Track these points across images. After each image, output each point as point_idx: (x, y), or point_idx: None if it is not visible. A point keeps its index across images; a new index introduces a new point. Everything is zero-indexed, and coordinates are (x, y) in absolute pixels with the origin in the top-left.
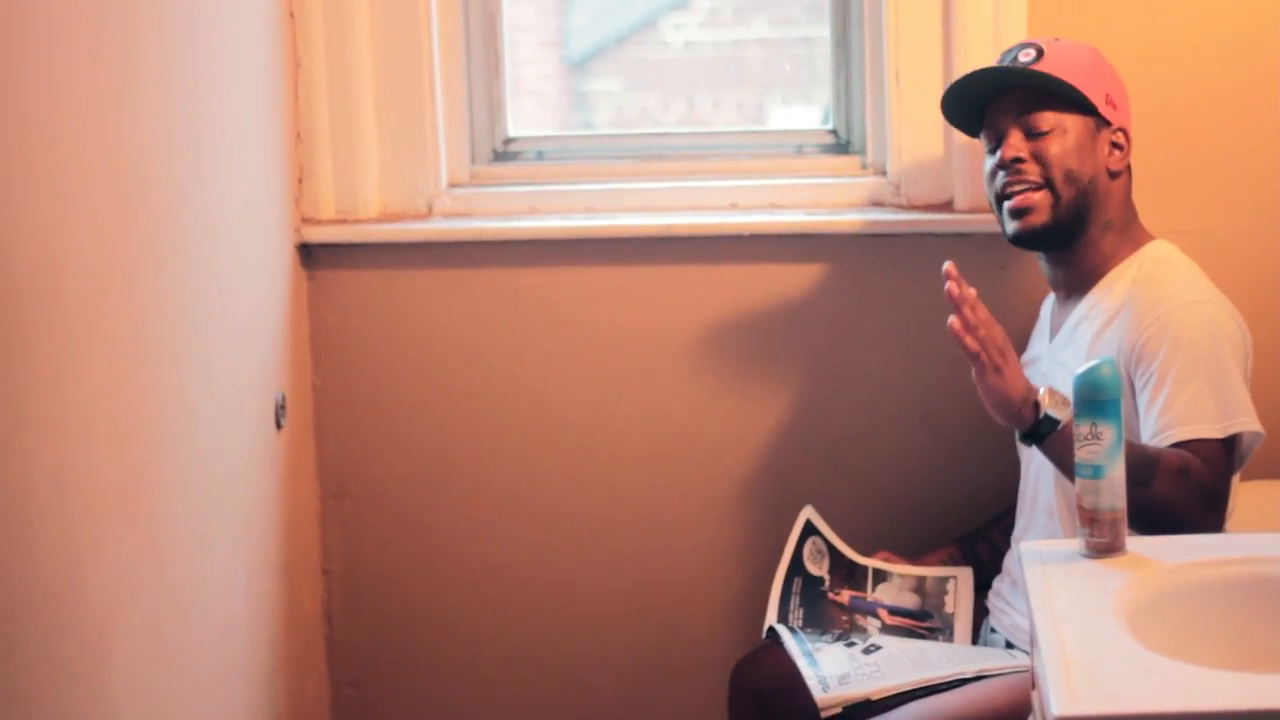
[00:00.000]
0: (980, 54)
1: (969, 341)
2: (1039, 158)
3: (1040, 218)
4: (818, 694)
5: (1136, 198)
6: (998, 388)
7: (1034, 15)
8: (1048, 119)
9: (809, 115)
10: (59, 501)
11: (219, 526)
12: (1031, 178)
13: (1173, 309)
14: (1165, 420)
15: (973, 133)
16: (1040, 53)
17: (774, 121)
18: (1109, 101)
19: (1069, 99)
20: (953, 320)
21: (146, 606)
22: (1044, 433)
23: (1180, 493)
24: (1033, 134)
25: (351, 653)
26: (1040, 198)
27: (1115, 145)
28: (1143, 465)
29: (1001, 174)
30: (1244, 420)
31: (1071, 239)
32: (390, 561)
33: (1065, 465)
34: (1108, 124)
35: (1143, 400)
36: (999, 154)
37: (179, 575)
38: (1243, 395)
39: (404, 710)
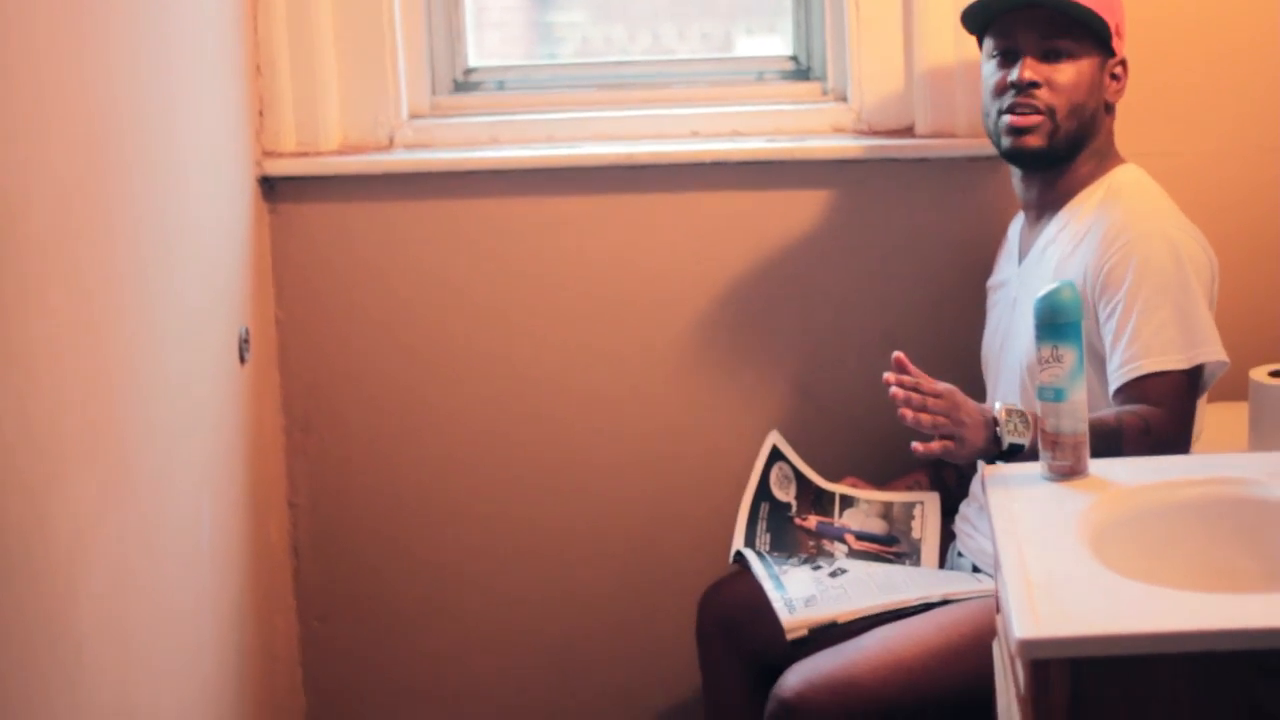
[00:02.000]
0: None
1: (935, 447)
2: (1052, 85)
3: (1037, 140)
4: (783, 616)
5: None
6: (966, 453)
7: None
8: (1067, 45)
9: (774, 44)
10: (23, 436)
11: (183, 461)
12: (1039, 104)
13: (1137, 235)
14: (1132, 351)
15: (977, 33)
16: None
17: (739, 51)
18: (1117, 32)
19: (1088, 27)
20: (915, 446)
21: (112, 541)
22: (1009, 457)
23: (1147, 450)
24: (1050, 57)
25: (319, 587)
26: (1040, 121)
27: (1114, 76)
28: (1109, 439)
29: (1011, 92)
30: (1209, 349)
31: (1062, 163)
32: (356, 495)
33: None
34: (1113, 54)
35: (1109, 329)
36: (1016, 73)
37: (143, 510)
38: (1208, 323)
39: (372, 644)
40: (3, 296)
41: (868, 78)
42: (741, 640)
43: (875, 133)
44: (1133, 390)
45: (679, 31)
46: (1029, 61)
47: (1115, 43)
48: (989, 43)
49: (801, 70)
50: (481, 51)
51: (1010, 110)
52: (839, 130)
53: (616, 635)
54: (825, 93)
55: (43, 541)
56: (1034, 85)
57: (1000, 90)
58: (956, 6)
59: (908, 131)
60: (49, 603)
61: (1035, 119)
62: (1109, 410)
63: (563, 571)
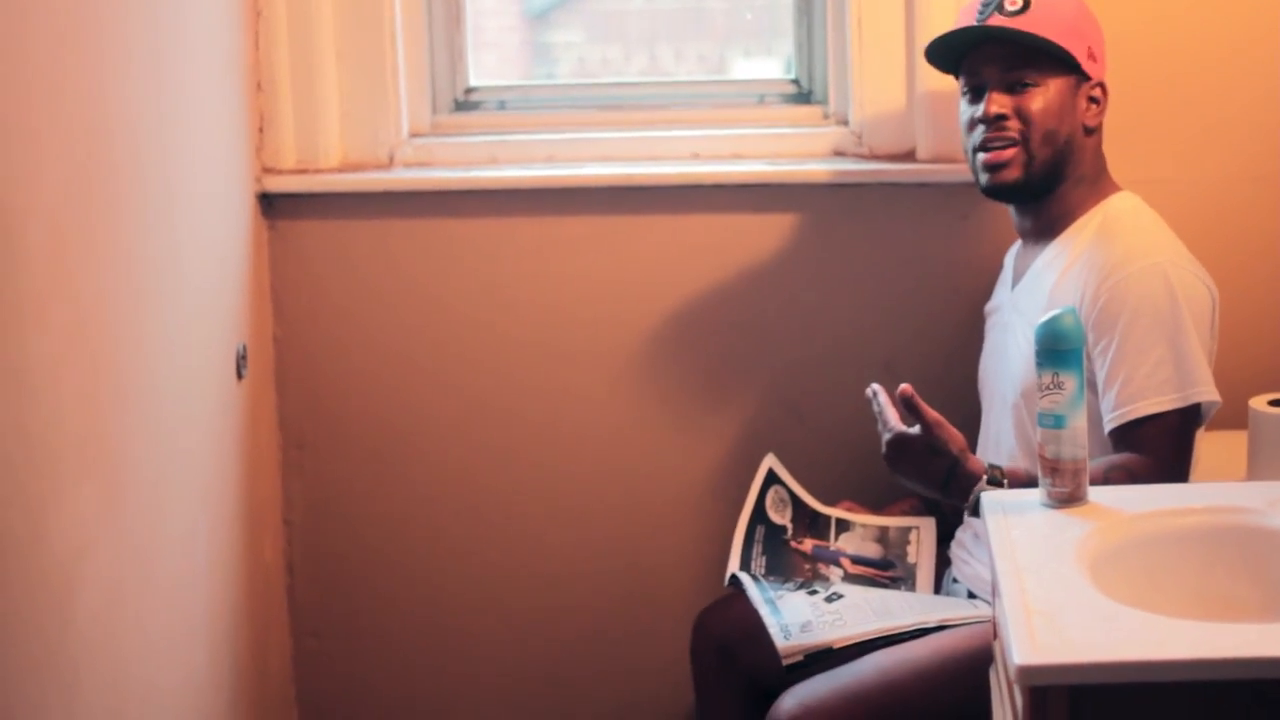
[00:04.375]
0: (943, 2)
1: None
2: (1021, 115)
3: (1013, 173)
4: (779, 642)
5: (1107, 146)
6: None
7: None
8: (1032, 75)
9: (771, 66)
10: (21, 452)
11: (180, 477)
12: (1011, 134)
13: (1133, 272)
14: (1128, 393)
15: (951, 72)
16: (1026, 2)
17: (736, 73)
18: (1091, 55)
19: (1054, 55)
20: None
21: (107, 558)
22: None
23: None
24: (1015, 88)
25: (313, 604)
26: (1014, 154)
27: (1092, 100)
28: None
29: (981, 128)
30: (1203, 389)
31: (1044, 193)
32: (351, 512)
33: None
34: (1087, 79)
35: (1102, 366)
36: (982, 108)
37: (139, 526)
38: (1201, 362)
39: (365, 661)
40: (1, 311)
41: (869, 101)
42: (737, 662)
43: (876, 156)
44: (1128, 433)
45: (676, 53)
46: (995, 95)
47: (1089, 66)
48: (961, 81)
49: (803, 93)
50: (479, 71)
51: (984, 147)
52: (840, 154)
53: (611, 655)
54: (826, 116)
55: (39, 557)
56: (1001, 118)
57: (972, 127)
58: None
59: (909, 156)
60: (46, 618)
61: (1009, 153)
62: (1096, 464)
63: (559, 591)
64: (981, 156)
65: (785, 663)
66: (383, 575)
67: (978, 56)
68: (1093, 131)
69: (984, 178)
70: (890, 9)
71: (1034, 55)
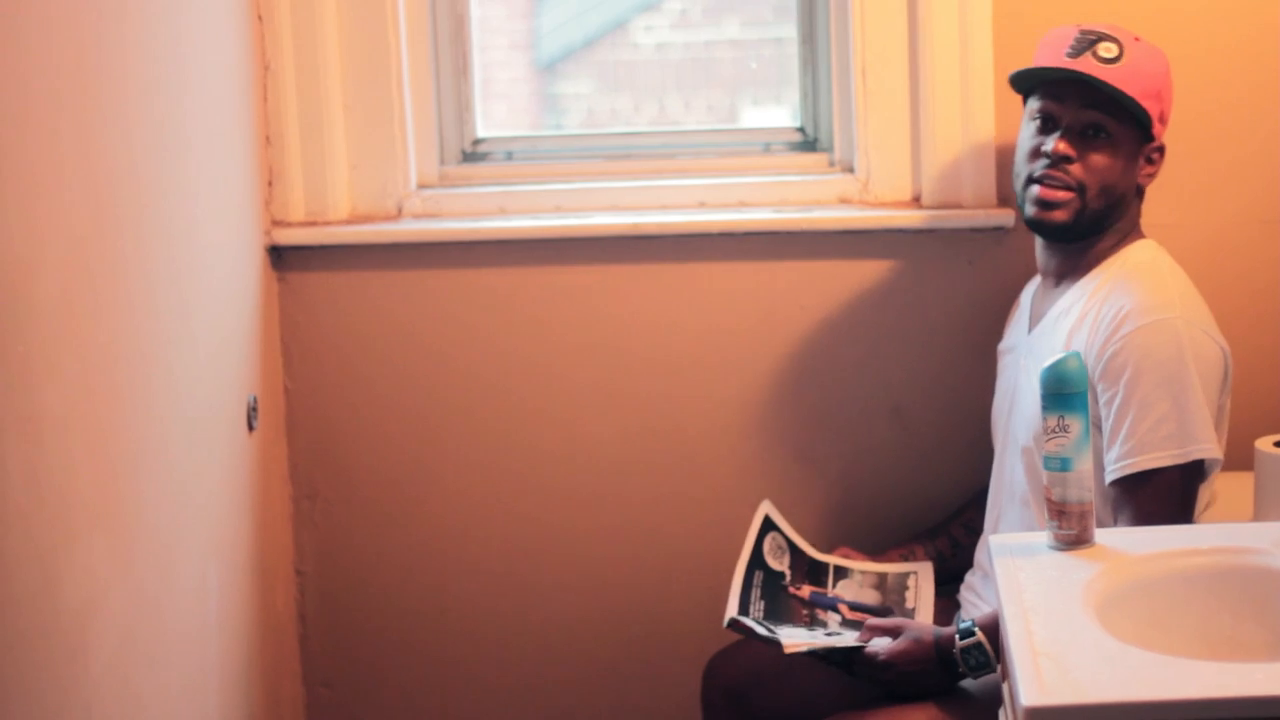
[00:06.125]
0: (946, 51)
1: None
2: (1085, 163)
3: (1062, 216)
4: (784, 640)
5: None
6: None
7: (999, 12)
8: (1108, 123)
9: (780, 115)
10: (32, 503)
11: (191, 528)
12: (1070, 179)
13: (1142, 326)
14: (1129, 447)
15: (1023, 93)
16: (1120, 52)
17: (745, 122)
18: (1161, 118)
19: (1132, 112)
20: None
21: (119, 608)
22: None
23: None
24: (1087, 133)
25: (325, 653)
26: (1069, 199)
27: (1149, 160)
28: None
29: (1043, 161)
30: (1205, 446)
31: (1084, 239)
32: (363, 562)
33: None
34: (1152, 139)
35: (1107, 421)
36: (1051, 144)
37: (151, 577)
38: (1205, 419)
39: (378, 710)
40: (13, 363)
41: (874, 149)
42: (747, 708)
43: (881, 204)
44: (1128, 486)
45: (685, 102)
46: (1067, 136)
47: (1156, 128)
48: (1033, 103)
49: (809, 141)
50: (488, 122)
51: (1040, 180)
52: (845, 201)
53: (621, 704)
54: (832, 164)
55: (52, 605)
56: (1067, 160)
57: (1033, 156)
58: (964, 78)
59: (914, 202)
60: (58, 667)
61: (1064, 195)
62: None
63: (567, 638)
64: (1035, 190)
65: (787, 651)
66: (394, 625)
67: (1060, 88)
68: (1142, 191)
69: (1031, 210)
70: (894, 58)
71: (1114, 107)
